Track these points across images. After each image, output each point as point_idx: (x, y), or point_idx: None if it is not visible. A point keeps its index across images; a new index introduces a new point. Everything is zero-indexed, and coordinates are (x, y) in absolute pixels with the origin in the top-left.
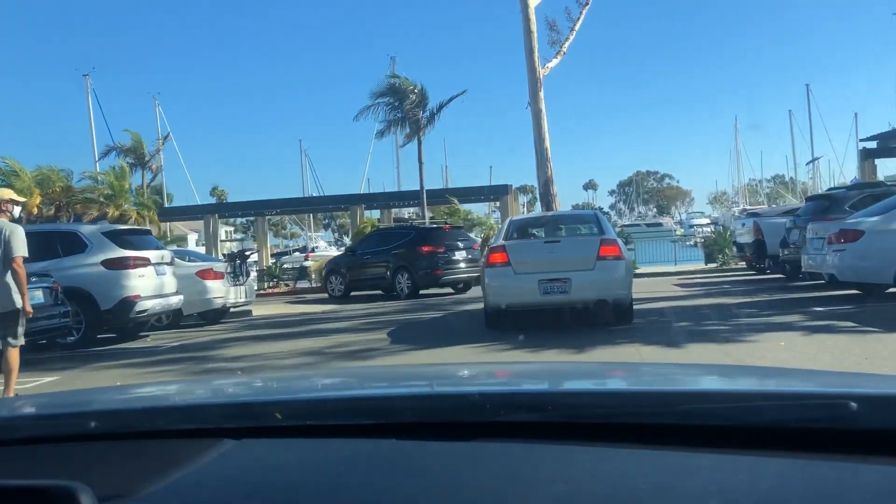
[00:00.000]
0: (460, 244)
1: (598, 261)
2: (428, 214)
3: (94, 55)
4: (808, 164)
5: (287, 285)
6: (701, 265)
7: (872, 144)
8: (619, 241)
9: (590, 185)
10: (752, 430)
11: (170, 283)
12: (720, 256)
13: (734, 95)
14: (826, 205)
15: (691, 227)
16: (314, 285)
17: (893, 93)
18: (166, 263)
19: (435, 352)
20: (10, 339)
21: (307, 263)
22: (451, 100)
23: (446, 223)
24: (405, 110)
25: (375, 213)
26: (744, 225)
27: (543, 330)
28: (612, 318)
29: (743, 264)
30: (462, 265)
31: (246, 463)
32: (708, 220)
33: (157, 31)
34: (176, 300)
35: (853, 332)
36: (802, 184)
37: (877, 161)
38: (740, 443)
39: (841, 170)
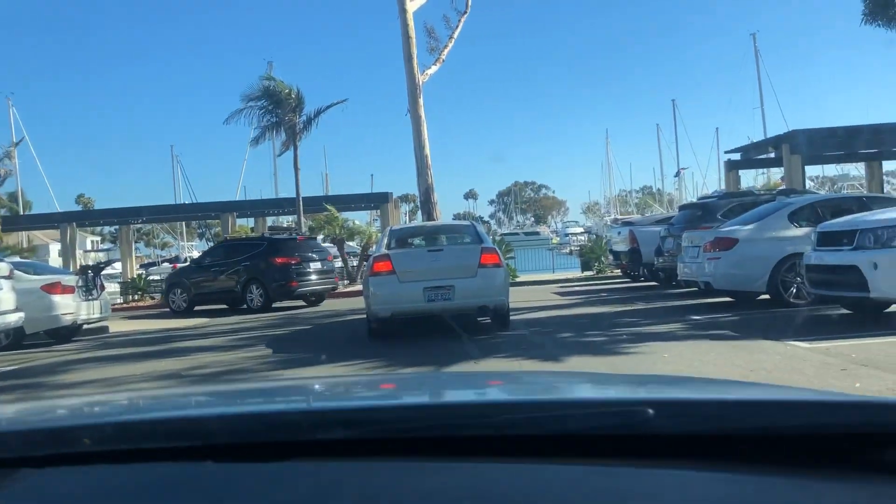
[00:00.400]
0: (315, 255)
1: (480, 268)
2: (306, 222)
3: None
4: (674, 175)
5: (153, 298)
6: (578, 273)
7: (736, 156)
8: (498, 250)
9: (470, 195)
10: (561, 438)
11: (7, 298)
12: (596, 264)
13: (606, 109)
14: (699, 213)
15: (566, 235)
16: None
17: (751, 110)
18: (3, 277)
19: (309, 370)
20: None
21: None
22: (329, 107)
23: (301, 234)
24: (280, 115)
25: (250, 222)
26: (619, 234)
27: (424, 341)
28: (492, 325)
29: (618, 272)
30: (315, 277)
31: (40, 494)
32: (582, 229)
33: (12, 28)
34: (15, 318)
35: (735, 341)
36: (668, 194)
37: (740, 172)
38: (554, 451)
39: (704, 181)
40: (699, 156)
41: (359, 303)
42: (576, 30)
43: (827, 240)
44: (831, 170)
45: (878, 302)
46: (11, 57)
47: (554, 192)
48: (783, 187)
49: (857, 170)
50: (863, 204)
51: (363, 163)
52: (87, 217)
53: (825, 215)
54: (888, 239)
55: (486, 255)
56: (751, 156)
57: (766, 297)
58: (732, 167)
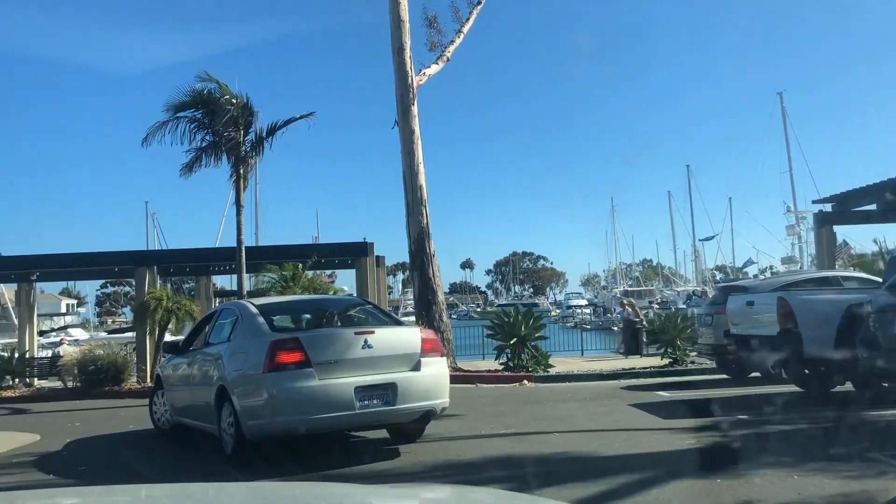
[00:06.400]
0: None
1: (423, 357)
2: (249, 280)
3: None
4: (703, 240)
5: (28, 385)
6: (620, 359)
7: (828, 208)
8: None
9: (467, 265)
10: None
11: None
12: (670, 350)
13: (608, 179)
14: None
15: (569, 308)
16: (69, 385)
17: (778, 174)
18: None
19: None
20: None
21: (64, 349)
22: (289, 122)
23: None
24: (220, 131)
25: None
26: (751, 305)
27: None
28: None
29: (703, 362)
30: None
31: None
32: (585, 301)
33: None
34: None
35: None
36: (668, 268)
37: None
38: None
39: (717, 250)
40: (715, 225)
41: None
42: (584, 96)
43: None
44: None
45: None
46: None
47: (552, 263)
48: None
49: None
50: None
51: (366, 224)
52: None
53: None
54: None
55: (428, 339)
56: (849, 207)
57: None
58: (825, 221)
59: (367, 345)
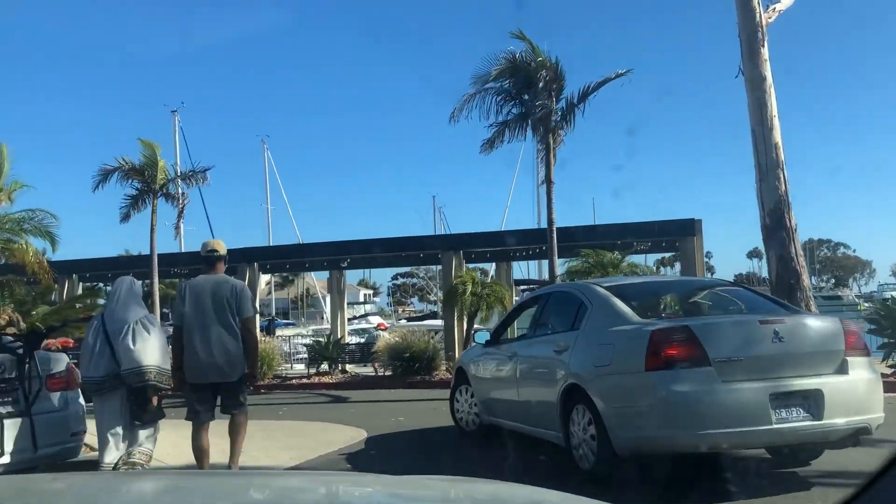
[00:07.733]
0: None
1: (849, 356)
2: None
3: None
4: None
5: (343, 371)
6: None
7: None
8: None
9: (755, 254)
10: None
11: None
12: None
13: None
14: None
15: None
16: (380, 372)
17: None
18: None
19: None
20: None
21: (379, 334)
22: (603, 83)
23: None
24: (529, 101)
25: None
26: None
27: None
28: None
29: None
30: None
31: None
32: None
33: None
34: None
35: None
36: None
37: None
38: None
39: None
40: None
41: None
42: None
43: None
44: None
45: None
46: (268, 99)
47: (855, 250)
48: None
49: None
50: None
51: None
52: (263, 256)
53: None
54: None
55: (852, 333)
56: None
57: None
58: None
59: (777, 337)
